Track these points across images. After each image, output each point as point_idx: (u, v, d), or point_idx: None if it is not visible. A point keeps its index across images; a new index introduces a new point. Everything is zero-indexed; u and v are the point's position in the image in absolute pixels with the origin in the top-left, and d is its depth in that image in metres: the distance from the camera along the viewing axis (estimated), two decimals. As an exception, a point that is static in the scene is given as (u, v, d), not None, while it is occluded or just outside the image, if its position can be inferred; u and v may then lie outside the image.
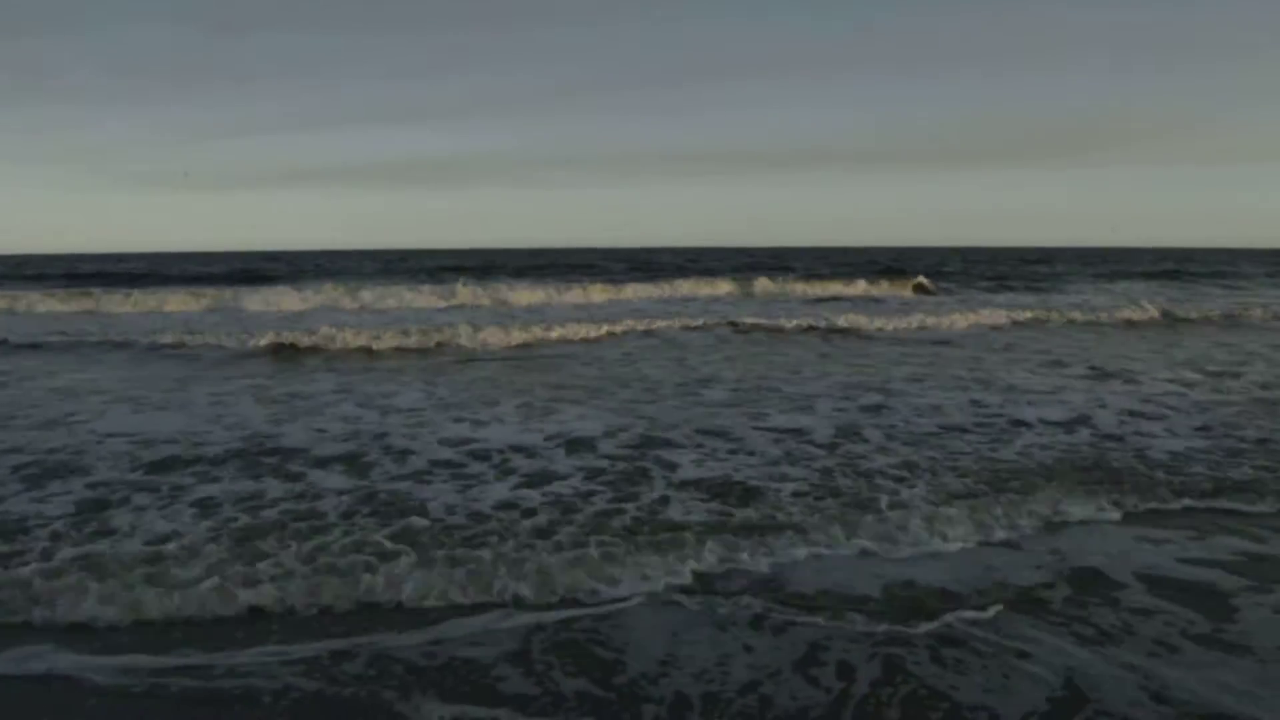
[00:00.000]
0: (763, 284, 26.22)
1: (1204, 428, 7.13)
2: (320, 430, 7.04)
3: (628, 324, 14.98)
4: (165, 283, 27.62)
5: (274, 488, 5.40)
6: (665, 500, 5.19)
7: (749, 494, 5.32)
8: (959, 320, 16.39)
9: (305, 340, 12.21)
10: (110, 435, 6.79)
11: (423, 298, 21.38)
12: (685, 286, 25.71)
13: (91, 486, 5.39)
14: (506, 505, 5.08)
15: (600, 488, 5.44)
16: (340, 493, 5.30)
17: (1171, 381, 9.57)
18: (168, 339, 12.94)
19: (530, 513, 4.92)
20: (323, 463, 6.02)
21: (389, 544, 4.39)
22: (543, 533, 4.59)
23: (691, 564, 4.24)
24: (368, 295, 21.04)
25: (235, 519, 4.78)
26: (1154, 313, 17.43)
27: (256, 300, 20.36)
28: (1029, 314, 17.19)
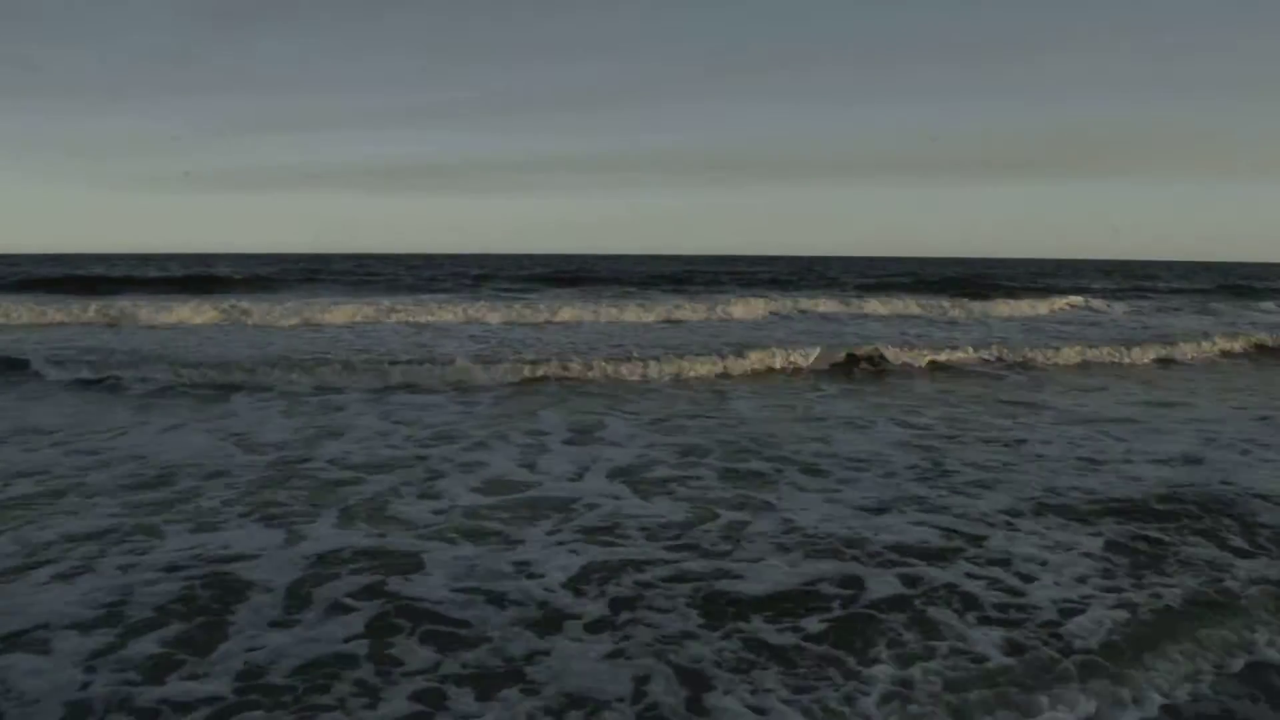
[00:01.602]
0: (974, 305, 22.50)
1: None
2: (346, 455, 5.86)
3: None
4: (169, 288, 24.63)
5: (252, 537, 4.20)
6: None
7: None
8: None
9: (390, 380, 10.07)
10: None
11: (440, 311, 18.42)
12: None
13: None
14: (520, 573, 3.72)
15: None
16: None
17: None
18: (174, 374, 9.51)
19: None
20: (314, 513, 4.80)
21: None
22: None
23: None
24: (414, 308, 18.20)
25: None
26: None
27: (276, 312, 17.27)
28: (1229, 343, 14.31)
